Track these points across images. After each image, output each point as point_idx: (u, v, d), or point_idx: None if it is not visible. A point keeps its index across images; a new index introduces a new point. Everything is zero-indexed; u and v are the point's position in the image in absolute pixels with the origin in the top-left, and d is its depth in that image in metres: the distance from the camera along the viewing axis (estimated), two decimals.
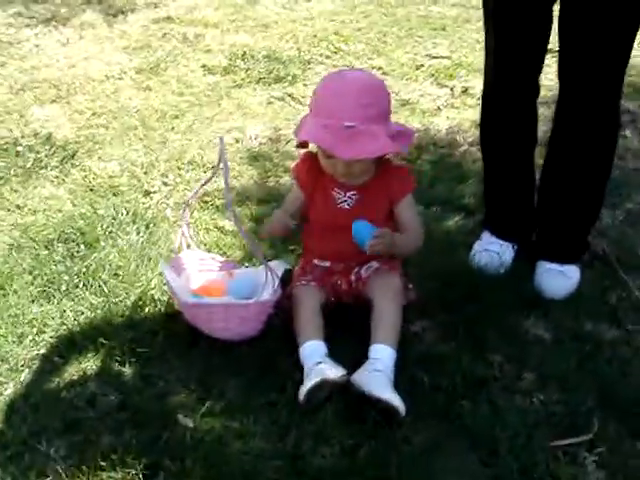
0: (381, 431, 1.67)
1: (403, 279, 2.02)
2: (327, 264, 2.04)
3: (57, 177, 2.78)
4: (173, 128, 3.17)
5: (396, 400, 1.69)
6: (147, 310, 2.03)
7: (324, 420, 1.69)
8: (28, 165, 2.84)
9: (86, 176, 2.79)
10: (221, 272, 2.09)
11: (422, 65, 3.81)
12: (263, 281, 1.89)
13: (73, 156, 2.91)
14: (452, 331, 1.97)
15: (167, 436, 1.65)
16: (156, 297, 2.07)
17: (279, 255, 2.26)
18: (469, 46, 3.99)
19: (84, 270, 2.17)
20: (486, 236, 2.32)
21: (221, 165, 1.80)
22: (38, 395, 1.77)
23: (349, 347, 1.88)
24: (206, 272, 2.09)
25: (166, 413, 1.71)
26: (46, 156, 2.90)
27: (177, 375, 1.82)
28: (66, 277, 2.16)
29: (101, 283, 2.12)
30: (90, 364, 1.86)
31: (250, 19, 4.50)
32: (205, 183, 1.99)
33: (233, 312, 1.85)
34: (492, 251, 2.25)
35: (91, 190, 2.69)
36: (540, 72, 2.10)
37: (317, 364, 1.76)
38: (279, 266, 1.98)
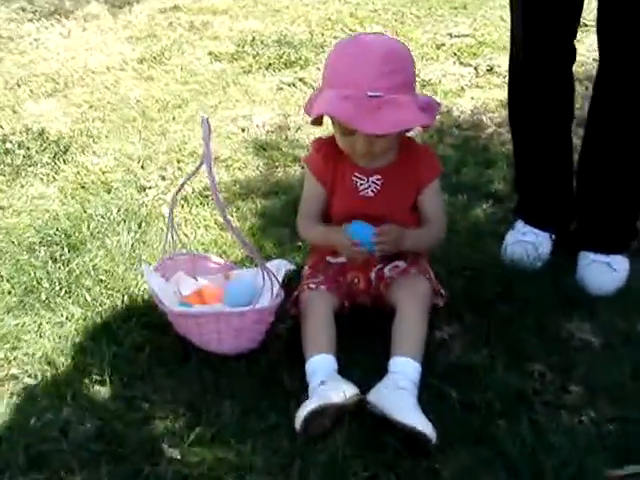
0: (403, 461, 1.44)
1: (433, 283, 1.80)
2: (342, 260, 1.81)
3: (47, 175, 2.63)
4: (174, 118, 3.01)
5: (425, 425, 1.44)
6: (133, 321, 1.82)
7: (334, 448, 1.47)
8: (17, 162, 2.70)
9: (78, 172, 2.63)
10: (217, 275, 1.86)
11: (443, 44, 3.69)
12: (261, 285, 1.65)
13: (66, 152, 2.76)
14: (483, 336, 1.77)
15: (148, 470, 1.43)
16: (144, 305, 1.87)
17: (286, 253, 2.07)
18: (492, 24, 3.86)
19: (66, 276, 2.00)
20: (519, 225, 2.14)
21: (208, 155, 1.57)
22: (3, 425, 1.56)
23: (365, 359, 1.68)
24: (200, 275, 1.86)
25: (149, 442, 1.50)
26: (37, 152, 2.76)
27: (163, 396, 1.61)
28: (46, 284, 1.98)
29: (84, 291, 1.94)
30: (66, 385, 1.65)
31: (260, 4, 4.39)
32: (190, 176, 1.76)
33: (226, 322, 1.62)
34: (527, 242, 2.08)
35: (82, 187, 2.53)
36: (575, 35, 1.92)
37: (320, 384, 1.52)
38: (281, 266, 1.75)
